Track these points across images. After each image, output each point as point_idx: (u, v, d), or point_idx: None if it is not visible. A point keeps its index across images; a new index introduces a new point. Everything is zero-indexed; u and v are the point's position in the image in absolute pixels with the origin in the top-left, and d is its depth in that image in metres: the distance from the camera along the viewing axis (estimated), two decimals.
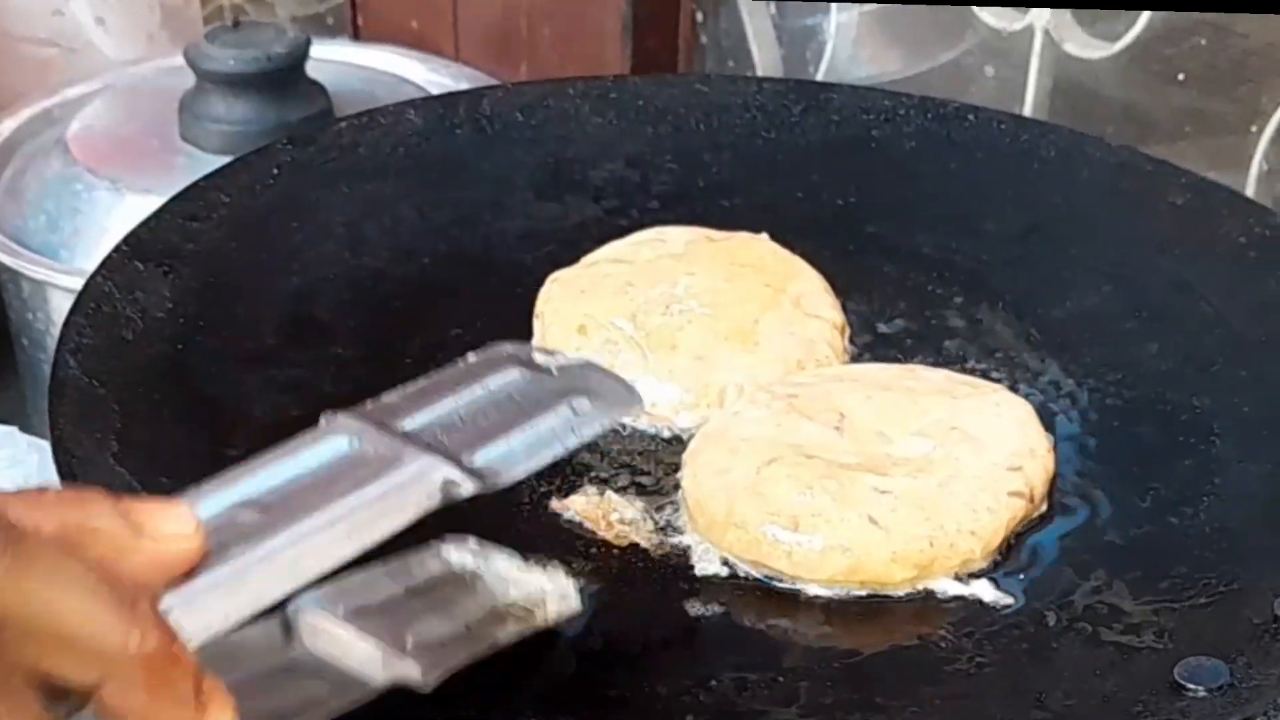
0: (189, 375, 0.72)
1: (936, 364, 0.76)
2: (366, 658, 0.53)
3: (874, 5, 1.16)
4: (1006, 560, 0.65)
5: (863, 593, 0.64)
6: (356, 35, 1.47)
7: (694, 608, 0.63)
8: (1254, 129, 0.96)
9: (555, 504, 0.67)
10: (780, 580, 0.64)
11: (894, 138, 0.91)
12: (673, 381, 0.73)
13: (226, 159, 0.88)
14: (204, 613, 0.43)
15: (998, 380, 0.74)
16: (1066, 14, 1.04)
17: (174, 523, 0.42)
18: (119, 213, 1.02)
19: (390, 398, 0.54)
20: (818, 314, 0.77)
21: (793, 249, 0.81)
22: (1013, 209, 0.86)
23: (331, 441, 0.51)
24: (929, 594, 0.64)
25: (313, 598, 0.53)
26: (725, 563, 0.65)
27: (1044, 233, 0.85)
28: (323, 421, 0.52)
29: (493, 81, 1.20)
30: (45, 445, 0.95)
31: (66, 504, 0.41)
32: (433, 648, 0.54)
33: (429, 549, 0.58)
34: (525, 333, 0.77)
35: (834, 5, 1.18)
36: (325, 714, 0.51)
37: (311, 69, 1.14)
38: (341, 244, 0.83)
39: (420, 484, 0.50)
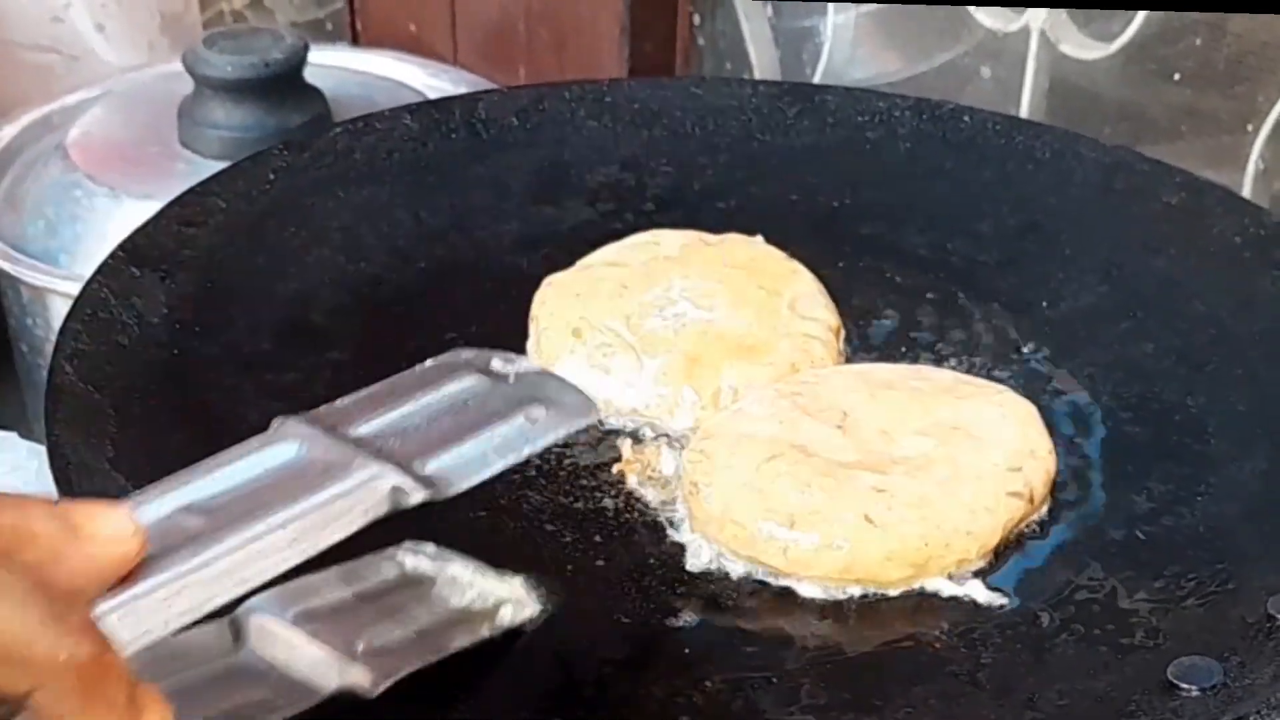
0: (185, 380, 0.72)
1: (931, 365, 0.76)
2: (315, 663, 0.53)
3: (871, 6, 1.16)
4: (1002, 560, 0.66)
5: (858, 592, 0.64)
6: (355, 40, 1.47)
7: (689, 606, 0.63)
8: (1250, 128, 0.96)
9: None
10: (776, 578, 0.64)
11: (889, 139, 0.91)
12: (667, 384, 0.73)
13: (225, 164, 0.88)
14: (142, 619, 0.43)
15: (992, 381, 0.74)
16: (1062, 14, 1.04)
17: (113, 525, 0.42)
18: (118, 218, 1.02)
19: (344, 403, 0.54)
20: (813, 316, 0.77)
21: (788, 251, 0.81)
22: (1008, 210, 0.86)
23: (280, 447, 0.50)
24: (925, 593, 0.64)
25: (263, 600, 0.53)
26: (721, 560, 0.65)
27: (1039, 233, 0.85)
28: (274, 425, 0.51)
29: (491, 85, 1.20)
30: (44, 451, 0.95)
31: (4, 508, 0.40)
32: (383, 654, 0.54)
33: (384, 554, 0.58)
34: (521, 336, 0.77)
35: (831, 7, 1.18)
36: (272, 719, 0.51)
37: (310, 74, 1.14)
38: (337, 249, 0.83)
39: (368, 491, 0.49)
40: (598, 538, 0.66)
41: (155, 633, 0.43)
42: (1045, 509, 0.68)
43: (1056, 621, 0.62)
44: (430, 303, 0.81)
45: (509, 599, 0.59)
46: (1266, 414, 0.71)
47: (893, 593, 0.64)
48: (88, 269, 0.76)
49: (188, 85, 1.11)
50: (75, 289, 0.75)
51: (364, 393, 0.55)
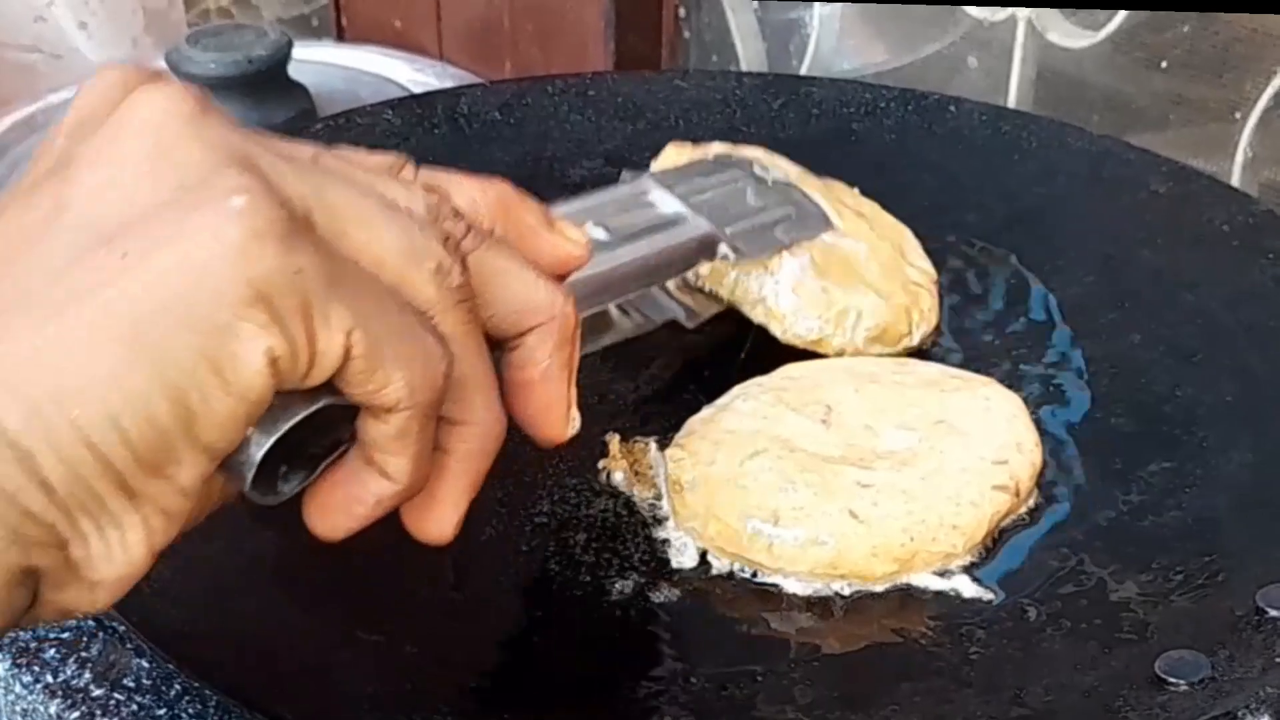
0: None
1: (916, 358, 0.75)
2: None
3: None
4: (988, 555, 0.65)
5: (844, 587, 0.63)
6: (341, 36, 1.47)
7: (673, 602, 0.63)
8: (1238, 116, 0.96)
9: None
10: (761, 575, 0.64)
11: (875, 130, 0.91)
12: (796, 294, 0.75)
13: None
14: None
15: (977, 373, 0.74)
16: None
17: (574, 232, 0.53)
18: None
19: (669, 171, 0.75)
20: (921, 266, 0.79)
21: None
22: (994, 200, 0.86)
23: (636, 188, 0.72)
24: (911, 588, 0.63)
25: None
26: (705, 556, 0.65)
27: (1026, 223, 0.84)
28: (626, 176, 0.75)
29: (476, 80, 1.20)
30: None
31: (507, 189, 0.52)
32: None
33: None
34: None
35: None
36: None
37: (295, 70, 1.14)
38: None
39: (708, 244, 0.71)
40: (582, 534, 0.66)
41: None
42: (1032, 502, 0.67)
43: (1043, 615, 0.62)
44: None
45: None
46: (1255, 404, 0.71)
47: (878, 588, 0.63)
48: None
49: None
50: None
51: (677, 167, 0.77)
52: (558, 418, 0.51)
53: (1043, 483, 0.68)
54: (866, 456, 0.66)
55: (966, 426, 0.68)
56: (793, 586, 0.63)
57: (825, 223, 0.75)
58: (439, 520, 0.50)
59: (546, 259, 0.52)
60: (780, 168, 0.79)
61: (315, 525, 0.49)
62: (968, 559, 0.64)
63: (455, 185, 0.50)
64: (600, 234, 0.65)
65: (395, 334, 0.44)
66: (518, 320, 0.49)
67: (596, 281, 0.63)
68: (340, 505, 0.48)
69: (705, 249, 0.70)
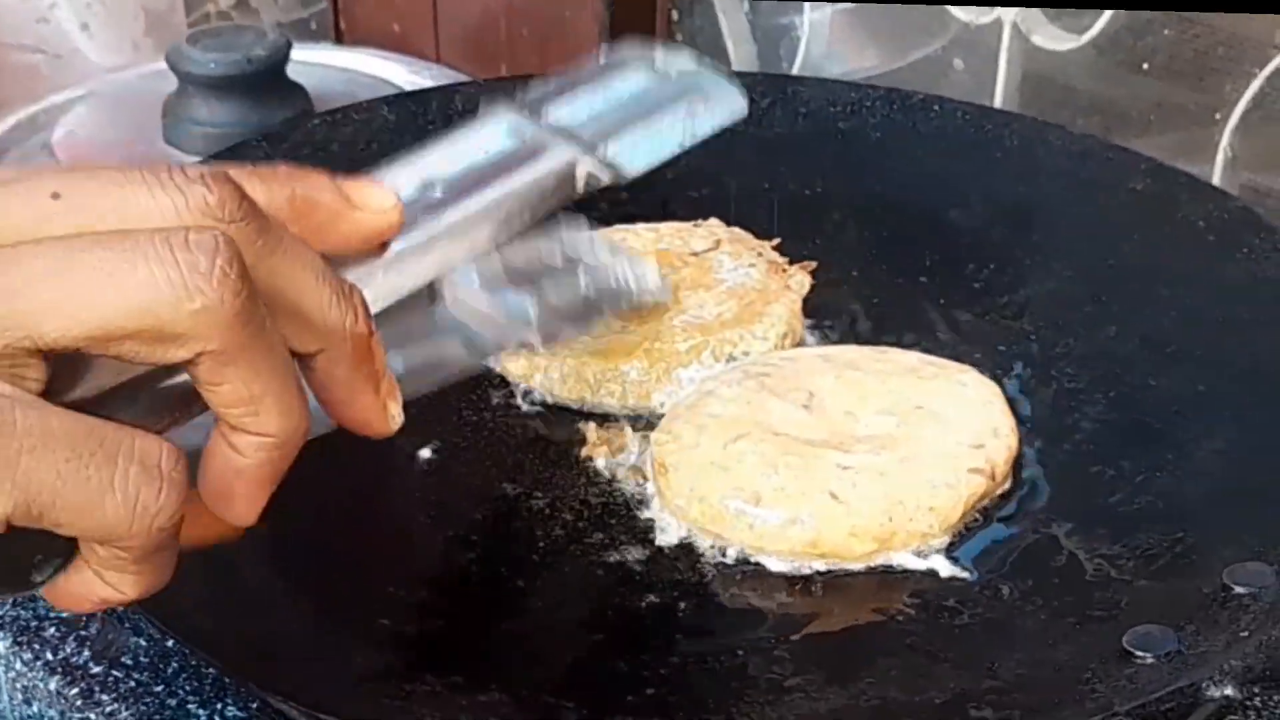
0: (161, 369, 0.73)
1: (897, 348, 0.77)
2: (497, 325, 0.57)
3: (847, 4, 1.18)
4: (965, 536, 0.67)
5: (824, 566, 0.65)
6: (339, 39, 1.48)
7: (658, 581, 0.64)
8: (1218, 117, 0.97)
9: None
10: (744, 554, 0.65)
11: (860, 129, 0.92)
12: None
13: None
14: (382, 287, 0.48)
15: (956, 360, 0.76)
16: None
17: (378, 198, 0.47)
18: None
19: (539, 87, 0.59)
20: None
21: (759, 237, 0.83)
22: (977, 197, 0.87)
23: (491, 128, 0.56)
24: (888, 568, 0.65)
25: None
26: (690, 536, 0.66)
27: (1007, 219, 0.86)
28: (482, 108, 0.57)
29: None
30: None
31: (295, 178, 0.45)
32: (552, 315, 0.58)
33: (548, 233, 0.61)
34: None
35: (807, 3, 1.19)
36: (457, 372, 0.56)
37: (293, 71, 1.15)
38: None
39: (566, 174, 0.55)
40: (567, 515, 0.68)
41: (387, 299, 0.48)
42: (1007, 485, 0.69)
43: (1017, 594, 0.63)
44: None
45: (648, 283, 0.62)
46: (1227, 393, 0.72)
47: (857, 567, 0.65)
48: None
49: (172, 84, 1.13)
50: None
51: (554, 80, 0.60)
52: (375, 421, 0.47)
53: (1018, 467, 0.70)
54: (847, 441, 0.68)
55: (944, 412, 0.70)
56: (775, 565, 0.65)
57: (738, 104, 0.63)
58: (236, 518, 0.44)
59: (355, 241, 0.47)
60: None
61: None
62: (945, 539, 0.66)
63: (246, 179, 0.44)
64: (435, 192, 0.53)
65: (78, 490, 0.39)
66: (309, 341, 0.43)
67: (419, 252, 0.51)
68: (78, 600, 0.43)
69: (563, 183, 0.56)
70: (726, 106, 0.62)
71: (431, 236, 0.50)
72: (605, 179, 0.56)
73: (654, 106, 0.60)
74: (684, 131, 0.60)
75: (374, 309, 0.46)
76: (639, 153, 0.58)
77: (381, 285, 0.48)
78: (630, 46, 0.62)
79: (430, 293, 0.56)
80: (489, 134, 0.55)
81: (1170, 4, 0.97)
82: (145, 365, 0.41)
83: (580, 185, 0.56)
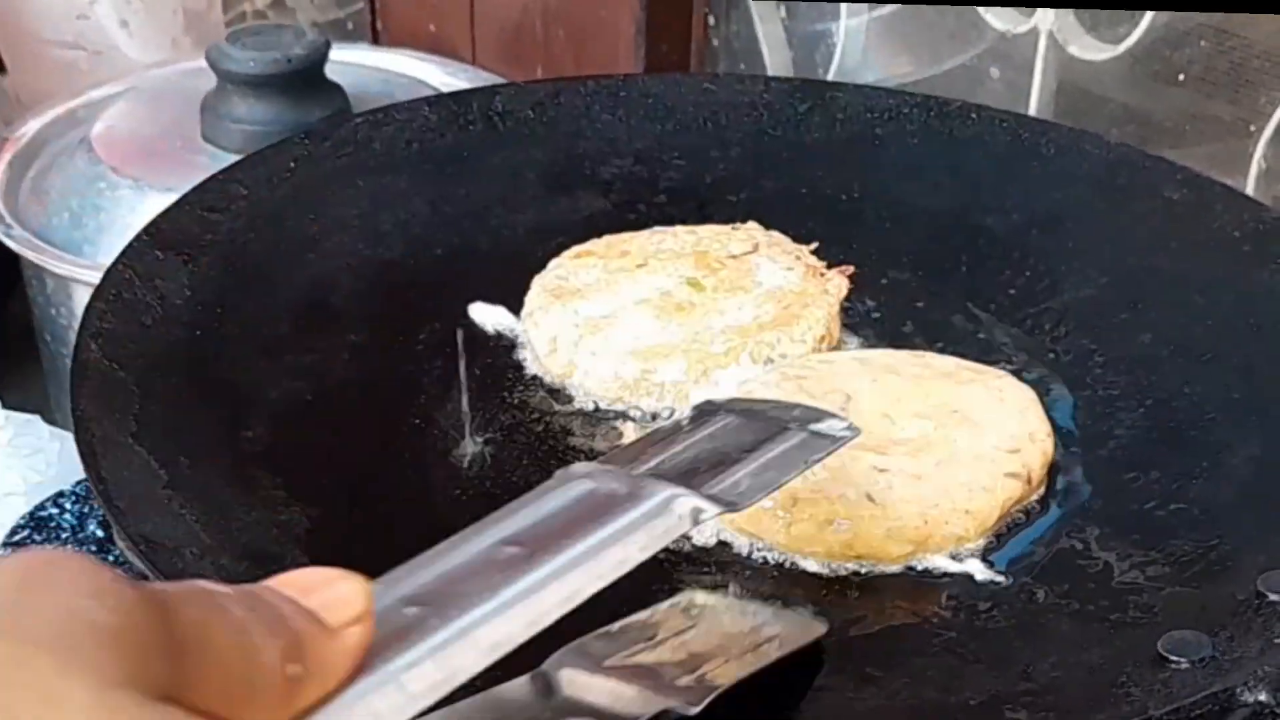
0: (206, 360, 0.74)
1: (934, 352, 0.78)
2: (631, 699, 0.53)
3: (883, 10, 1.18)
4: (1000, 539, 0.67)
5: (859, 568, 0.66)
6: (375, 39, 1.49)
7: (693, 580, 0.64)
8: (1253, 129, 0.97)
9: None
10: (779, 554, 0.66)
11: (897, 135, 0.92)
12: None
13: None
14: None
15: (992, 365, 0.76)
16: (1070, 17, 1.05)
17: (341, 610, 0.37)
18: (141, 210, 1.04)
19: (618, 452, 0.55)
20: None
21: (797, 241, 0.83)
22: (1012, 204, 0.88)
23: (573, 484, 0.49)
24: (924, 571, 0.66)
25: (564, 655, 0.54)
26: (725, 535, 0.67)
27: (1043, 227, 0.86)
28: (557, 474, 0.50)
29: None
30: (66, 436, 0.97)
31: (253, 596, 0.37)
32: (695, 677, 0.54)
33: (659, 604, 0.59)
34: None
35: (844, 9, 1.19)
36: None
37: (331, 71, 1.15)
38: (356, 236, 0.85)
39: (666, 512, 0.49)
40: None
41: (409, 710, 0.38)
42: (1043, 490, 0.69)
43: (1052, 597, 0.64)
44: (445, 288, 0.82)
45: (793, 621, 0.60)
46: (1261, 402, 0.72)
47: (893, 569, 0.65)
48: (111, 259, 0.77)
49: (210, 81, 1.13)
50: (98, 278, 0.76)
51: (633, 442, 0.59)
52: None
53: (1054, 472, 0.70)
54: (883, 443, 0.69)
55: (980, 416, 0.70)
56: (810, 566, 0.66)
57: (847, 427, 0.60)
58: None
59: (342, 666, 0.37)
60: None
61: None
62: (980, 543, 0.66)
63: None
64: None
65: None
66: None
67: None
68: None
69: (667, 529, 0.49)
70: (834, 428, 0.59)
71: (504, 601, 0.41)
72: (715, 510, 0.50)
73: (753, 443, 0.57)
74: (799, 455, 0.57)
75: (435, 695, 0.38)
76: (753, 483, 0.54)
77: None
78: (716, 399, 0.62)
79: (541, 688, 0.53)
80: (569, 488, 0.49)
81: (1205, 4, 0.98)
82: None
83: (688, 521, 0.49)
